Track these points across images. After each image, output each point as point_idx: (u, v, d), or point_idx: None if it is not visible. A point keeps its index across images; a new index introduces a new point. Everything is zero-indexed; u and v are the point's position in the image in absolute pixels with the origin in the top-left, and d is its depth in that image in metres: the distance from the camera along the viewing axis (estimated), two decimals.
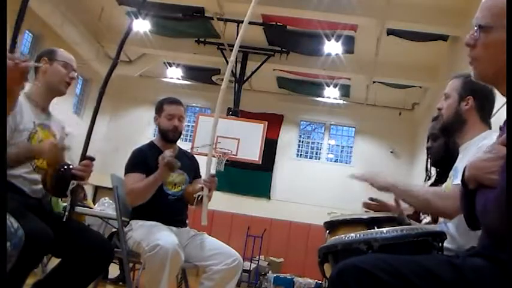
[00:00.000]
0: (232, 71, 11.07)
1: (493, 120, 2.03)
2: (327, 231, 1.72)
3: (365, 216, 1.65)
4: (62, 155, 2.30)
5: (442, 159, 2.41)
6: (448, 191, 1.89)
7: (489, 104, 2.03)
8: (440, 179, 2.45)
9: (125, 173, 2.95)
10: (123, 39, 2.58)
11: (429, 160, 2.57)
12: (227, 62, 11.04)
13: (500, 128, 1.38)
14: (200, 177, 3.15)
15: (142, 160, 2.94)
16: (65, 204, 5.37)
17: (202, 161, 3.28)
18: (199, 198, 2.84)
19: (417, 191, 1.83)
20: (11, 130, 2.26)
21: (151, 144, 3.12)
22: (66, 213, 2.34)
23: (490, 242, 1.25)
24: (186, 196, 2.96)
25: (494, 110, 2.05)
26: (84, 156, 2.41)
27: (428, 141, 2.52)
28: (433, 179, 2.58)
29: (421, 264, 1.23)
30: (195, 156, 3.36)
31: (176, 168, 2.82)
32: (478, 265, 1.21)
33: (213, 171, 2.92)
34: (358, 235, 1.48)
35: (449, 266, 1.23)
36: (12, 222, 1.74)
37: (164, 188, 2.95)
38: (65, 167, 2.34)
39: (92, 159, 2.41)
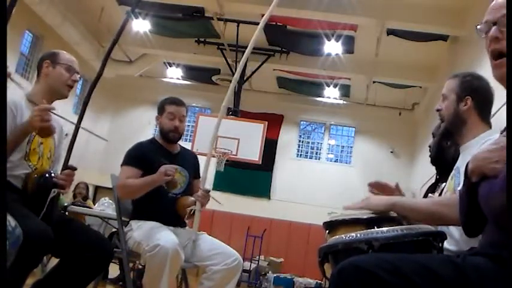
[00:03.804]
0: (231, 71, 11.09)
1: (492, 120, 2.03)
2: (327, 232, 1.72)
3: (364, 216, 1.64)
4: (50, 121, 2.20)
5: (436, 158, 2.42)
6: (451, 196, 1.88)
7: (488, 102, 2.03)
8: (440, 178, 2.46)
9: (121, 165, 2.96)
10: (117, 35, 2.59)
11: None
12: (227, 62, 11.05)
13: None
14: (199, 177, 3.16)
15: (140, 155, 2.95)
16: (66, 204, 5.41)
17: (202, 161, 3.29)
18: (191, 213, 2.85)
19: (420, 205, 1.71)
20: (10, 132, 2.26)
21: (152, 141, 3.13)
22: (40, 216, 2.28)
23: (493, 236, 1.25)
24: (178, 208, 2.94)
25: (494, 110, 2.05)
26: (66, 166, 2.41)
27: (433, 138, 2.53)
28: (433, 179, 2.58)
29: (422, 263, 1.23)
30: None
31: (173, 189, 2.91)
32: (479, 264, 1.21)
33: (207, 187, 2.92)
34: (358, 235, 1.48)
35: (450, 265, 1.22)
36: (9, 221, 1.74)
37: (165, 187, 2.95)
38: (47, 175, 2.34)
39: (74, 168, 2.42)
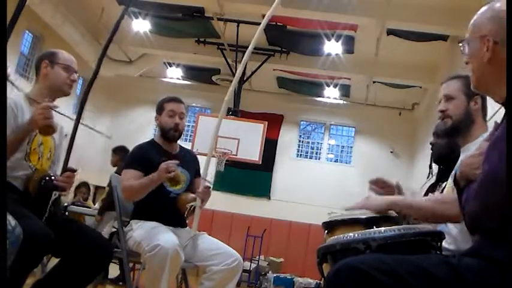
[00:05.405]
0: (231, 71, 11.09)
1: (493, 119, 2.03)
2: (326, 232, 1.72)
3: (363, 216, 1.64)
4: (52, 119, 2.21)
5: (445, 157, 2.41)
6: (448, 194, 1.89)
7: (486, 104, 2.04)
8: (441, 177, 2.45)
9: (123, 168, 2.97)
10: (113, 30, 2.60)
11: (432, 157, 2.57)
12: (227, 62, 11.05)
13: (496, 128, 1.39)
14: (200, 175, 3.17)
15: (141, 157, 2.95)
16: (66, 204, 5.41)
17: (202, 160, 3.29)
18: (191, 209, 2.86)
19: (421, 203, 1.75)
20: (12, 132, 2.26)
21: (152, 142, 3.13)
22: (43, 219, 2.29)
23: (482, 240, 1.26)
24: (178, 204, 2.96)
25: (494, 110, 2.05)
26: (65, 169, 2.41)
27: (433, 137, 2.51)
28: (434, 178, 2.58)
29: (417, 263, 1.24)
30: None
31: (176, 186, 2.92)
32: (473, 264, 1.22)
33: (208, 183, 2.93)
34: (356, 235, 1.48)
35: (446, 266, 1.23)
36: (9, 220, 1.74)
37: (165, 185, 2.95)
38: (47, 178, 2.34)
39: (74, 170, 2.42)
